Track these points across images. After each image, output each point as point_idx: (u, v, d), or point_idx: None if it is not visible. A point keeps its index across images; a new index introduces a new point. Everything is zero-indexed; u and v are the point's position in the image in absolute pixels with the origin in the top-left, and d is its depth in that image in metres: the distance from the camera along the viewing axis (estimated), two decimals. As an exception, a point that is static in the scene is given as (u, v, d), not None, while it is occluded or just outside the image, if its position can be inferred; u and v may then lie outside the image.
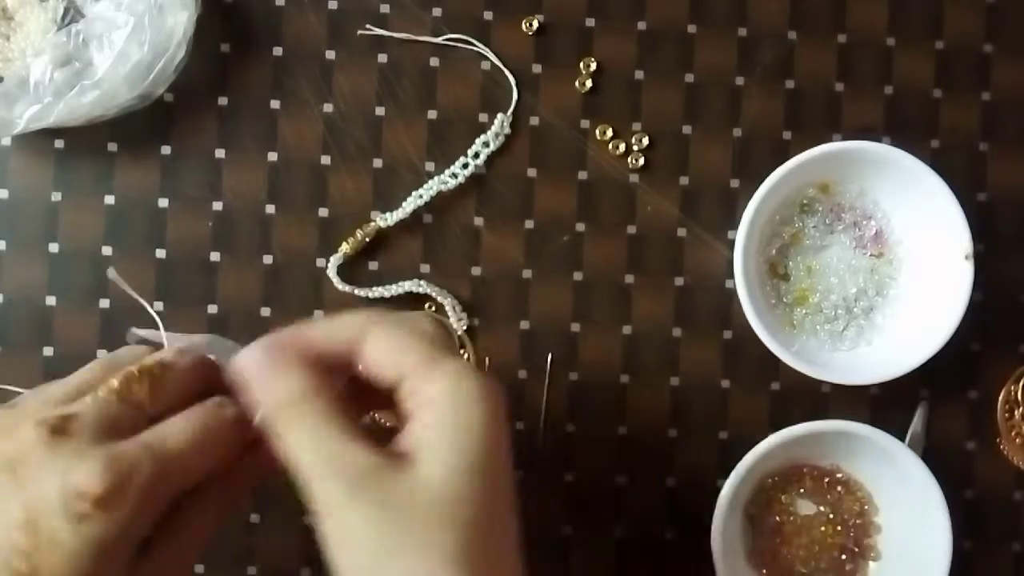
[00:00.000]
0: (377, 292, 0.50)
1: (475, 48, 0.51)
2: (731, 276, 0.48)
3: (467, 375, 0.32)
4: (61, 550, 0.29)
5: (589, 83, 0.51)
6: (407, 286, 0.50)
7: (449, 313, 0.50)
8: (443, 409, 0.31)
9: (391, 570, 0.29)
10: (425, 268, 0.51)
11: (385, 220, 0.50)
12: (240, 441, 0.33)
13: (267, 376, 0.32)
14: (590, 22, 0.51)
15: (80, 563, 0.29)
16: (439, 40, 0.51)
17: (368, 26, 0.51)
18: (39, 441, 0.30)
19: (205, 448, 0.32)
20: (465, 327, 0.50)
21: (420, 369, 0.32)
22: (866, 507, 0.51)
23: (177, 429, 0.32)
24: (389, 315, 0.35)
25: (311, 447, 0.31)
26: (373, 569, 0.29)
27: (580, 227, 0.51)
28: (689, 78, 0.52)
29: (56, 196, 0.50)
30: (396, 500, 0.29)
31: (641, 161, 0.51)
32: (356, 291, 0.50)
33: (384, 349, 0.33)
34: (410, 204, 0.50)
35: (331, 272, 0.49)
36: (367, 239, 0.50)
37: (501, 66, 0.51)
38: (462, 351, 0.50)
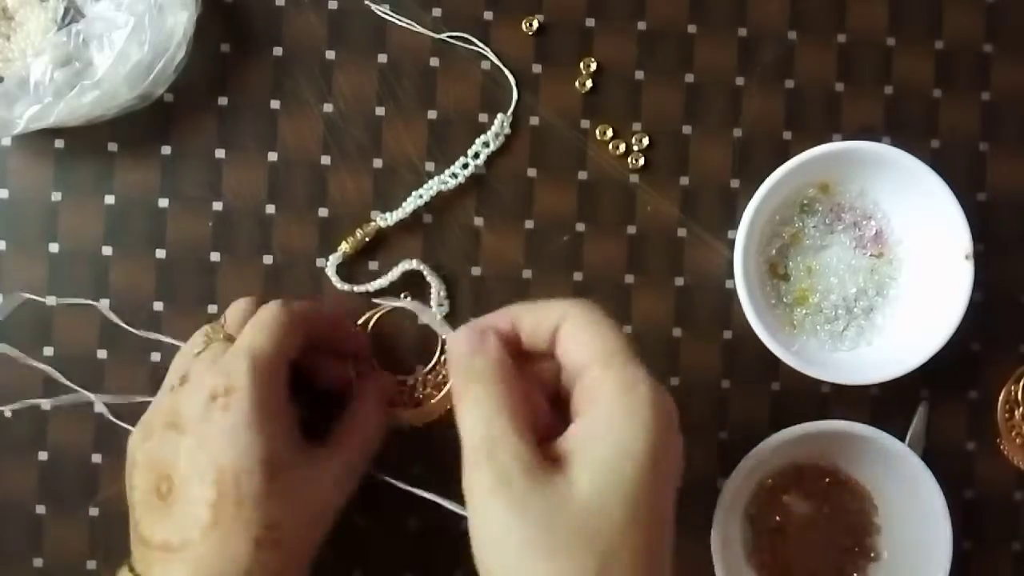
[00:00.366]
0: (376, 284, 0.49)
1: (476, 48, 0.51)
2: (731, 276, 0.48)
3: (644, 381, 0.32)
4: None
5: (589, 83, 0.51)
6: (402, 266, 0.49)
7: (432, 296, 0.50)
8: (610, 416, 0.31)
9: (519, 572, 0.29)
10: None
11: (385, 220, 0.50)
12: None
13: (464, 354, 0.34)
14: (590, 22, 0.51)
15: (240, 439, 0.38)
16: (440, 36, 0.51)
17: (369, 2, 0.51)
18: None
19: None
20: (446, 312, 0.50)
21: (604, 359, 0.32)
22: (866, 507, 0.51)
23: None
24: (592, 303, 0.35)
25: (476, 428, 0.31)
26: (512, 570, 0.30)
27: (580, 227, 0.51)
28: (689, 78, 0.52)
29: (56, 196, 0.50)
30: (537, 504, 0.29)
31: (641, 161, 0.51)
32: (356, 288, 0.50)
33: (581, 330, 0.33)
34: (410, 204, 0.50)
35: (330, 271, 0.49)
36: (367, 239, 0.50)
37: (501, 66, 0.51)
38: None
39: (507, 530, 0.29)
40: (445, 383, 0.50)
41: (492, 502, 0.30)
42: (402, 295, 0.50)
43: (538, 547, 0.29)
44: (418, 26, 0.51)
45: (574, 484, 0.30)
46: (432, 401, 0.50)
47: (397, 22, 0.51)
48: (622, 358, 0.32)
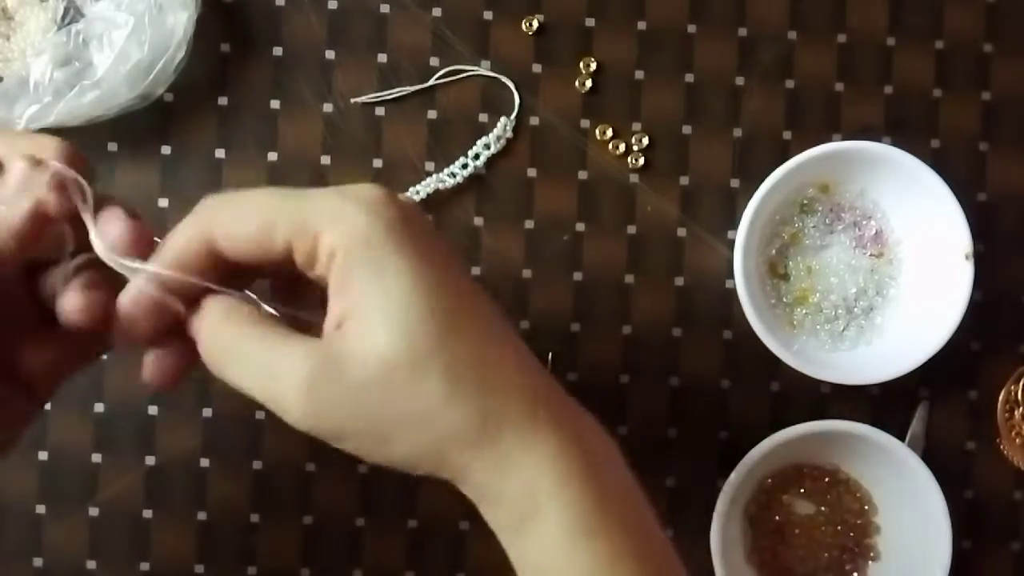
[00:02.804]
0: None
1: (470, 70, 0.51)
2: (731, 276, 0.48)
3: (344, 204, 0.28)
4: None
5: (589, 83, 0.51)
6: None
7: None
8: (346, 262, 0.27)
9: (401, 438, 0.28)
10: (425, 268, 0.51)
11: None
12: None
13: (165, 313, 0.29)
14: (590, 22, 0.51)
15: None
16: (431, 84, 0.51)
17: (354, 100, 0.51)
18: None
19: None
20: None
21: (297, 225, 0.28)
22: (866, 507, 0.51)
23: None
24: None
25: (248, 375, 0.28)
26: (389, 448, 0.28)
27: (580, 227, 0.51)
28: (689, 78, 0.52)
29: (56, 196, 0.50)
30: (355, 391, 0.27)
31: (641, 161, 0.51)
32: None
33: (243, 229, 0.28)
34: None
35: None
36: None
37: (499, 76, 0.51)
38: None
39: (356, 432, 0.28)
40: None
41: (322, 424, 0.28)
42: None
43: (383, 423, 0.27)
44: (411, 88, 0.51)
45: (367, 352, 0.27)
46: None
47: (390, 97, 0.51)
48: (304, 197, 0.28)
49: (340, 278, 0.28)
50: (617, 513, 0.29)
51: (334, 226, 0.28)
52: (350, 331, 0.27)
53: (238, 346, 0.28)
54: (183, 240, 0.29)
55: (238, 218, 0.28)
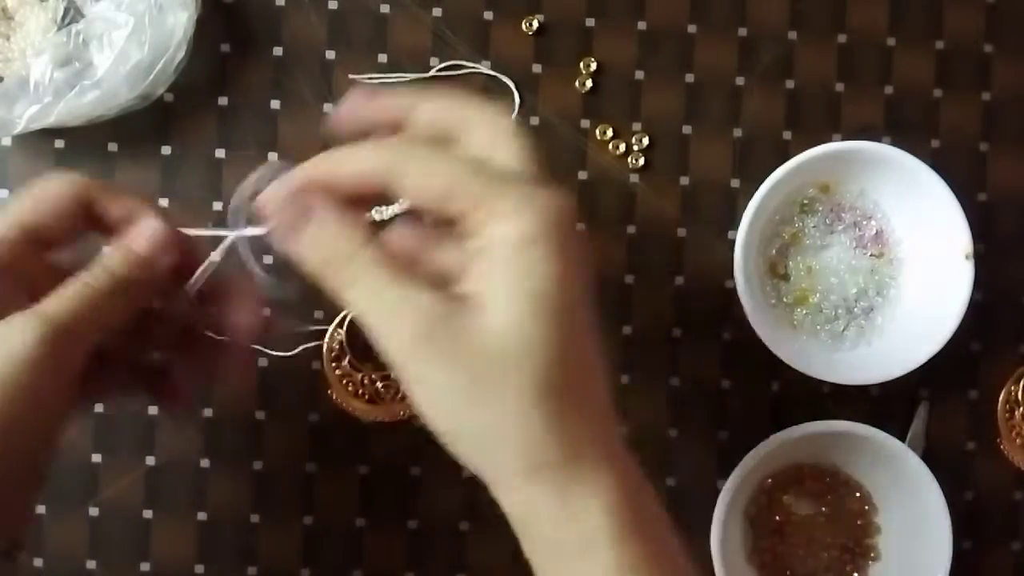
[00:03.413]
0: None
1: (470, 68, 0.51)
2: (731, 276, 0.48)
3: (531, 204, 0.28)
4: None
5: (589, 83, 0.51)
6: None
7: None
8: (506, 248, 0.28)
9: (474, 418, 0.28)
10: (425, 268, 0.51)
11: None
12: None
13: (307, 231, 0.30)
14: (590, 22, 0.51)
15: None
16: (431, 75, 0.51)
17: (352, 76, 0.51)
18: None
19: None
20: None
21: (476, 201, 0.29)
22: (866, 507, 0.51)
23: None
24: (422, 136, 0.32)
25: (373, 304, 0.29)
26: (457, 417, 0.29)
27: (580, 227, 0.51)
28: (689, 78, 0.52)
29: (56, 196, 0.50)
30: (468, 348, 0.28)
31: (641, 161, 0.51)
32: None
33: (427, 184, 0.30)
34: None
35: None
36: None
37: (499, 75, 0.51)
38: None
39: (445, 385, 0.28)
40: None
41: (426, 366, 0.28)
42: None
43: (473, 395, 0.28)
44: (409, 75, 0.51)
45: (492, 322, 0.28)
46: (386, 403, 0.50)
47: (387, 80, 0.51)
48: (495, 182, 0.29)
49: (490, 261, 0.29)
50: (659, 555, 0.30)
51: (513, 216, 0.28)
52: (480, 304, 0.28)
53: (368, 271, 0.29)
54: (368, 181, 0.31)
55: (426, 174, 0.30)
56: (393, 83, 0.51)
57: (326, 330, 0.50)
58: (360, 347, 0.49)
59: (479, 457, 0.29)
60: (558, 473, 0.29)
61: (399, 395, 0.50)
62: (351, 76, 0.51)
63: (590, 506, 0.29)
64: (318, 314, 0.50)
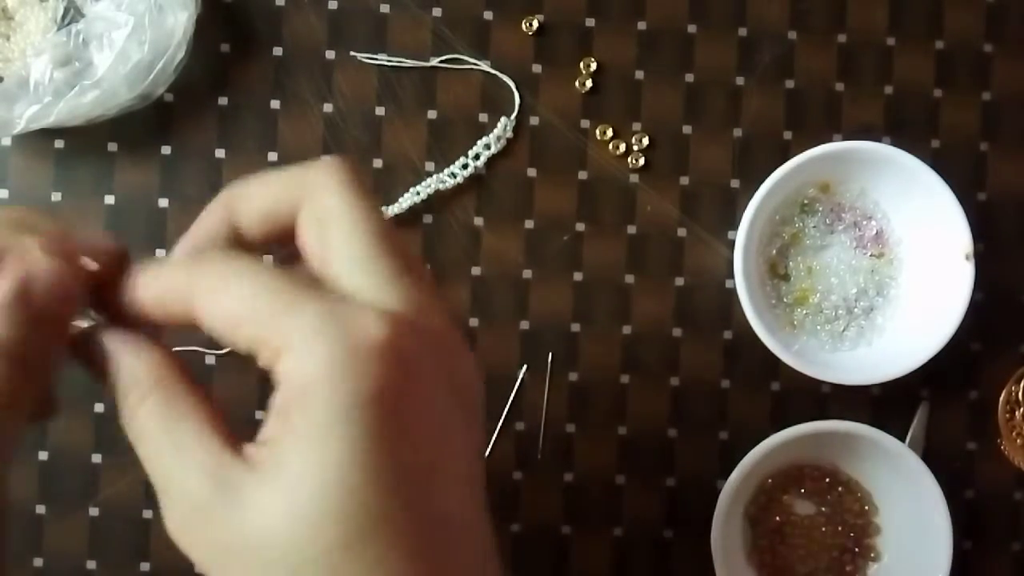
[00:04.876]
0: None
1: (474, 64, 0.51)
2: (731, 276, 0.48)
3: (323, 331, 0.21)
4: None
5: (589, 83, 0.51)
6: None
7: None
8: (289, 397, 0.22)
9: None
10: (425, 267, 0.51)
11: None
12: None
13: (127, 366, 0.24)
14: (590, 22, 0.51)
15: None
16: (432, 64, 0.51)
17: (354, 54, 0.51)
18: None
19: None
20: None
21: (265, 329, 0.22)
22: (866, 507, 0.51)
23: None
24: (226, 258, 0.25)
25: (153, 457, 0.24)
26: None
27: (580, 227, 0.51)
28: (689, 78, 0.52)
29: (56, 196, 0.50)
30: (228, 542, 0.22)
31: (641, 161, 0.51)
32: None
33: (215, 308, 0.23)
34: (407, 200, 0.50)
35: None
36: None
37: (499, 74, 0.51)
38: None
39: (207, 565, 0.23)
40: None
41: (191, 552, 0.24)
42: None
43: None
44: (408, 61, 0.51)
45: (263, 509, 0.22)
46: None
47: (388, 63, 0.51)
48: (295, 300, 0.22)
49: (275, 416, 0.23)
50: None
51: (301, 351, 0.22)
52: (261, 478, 0.22)
53: (150, 421, 0.24)
54: (171, 308, 0.25)
55: (214, 293, 0.24)
56: (395, 67, 0.51)
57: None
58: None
59: None
60: None
61: None
62: (352, 53, 0.50)
63: None
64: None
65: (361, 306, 0.22)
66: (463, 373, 0.24)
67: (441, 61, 0.51)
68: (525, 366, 0.50)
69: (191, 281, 0.24)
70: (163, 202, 0.50)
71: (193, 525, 0.23)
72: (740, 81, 0.52)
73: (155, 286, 0.25)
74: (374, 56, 0.51)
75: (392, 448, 0.21)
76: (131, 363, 0.24)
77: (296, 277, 0.23)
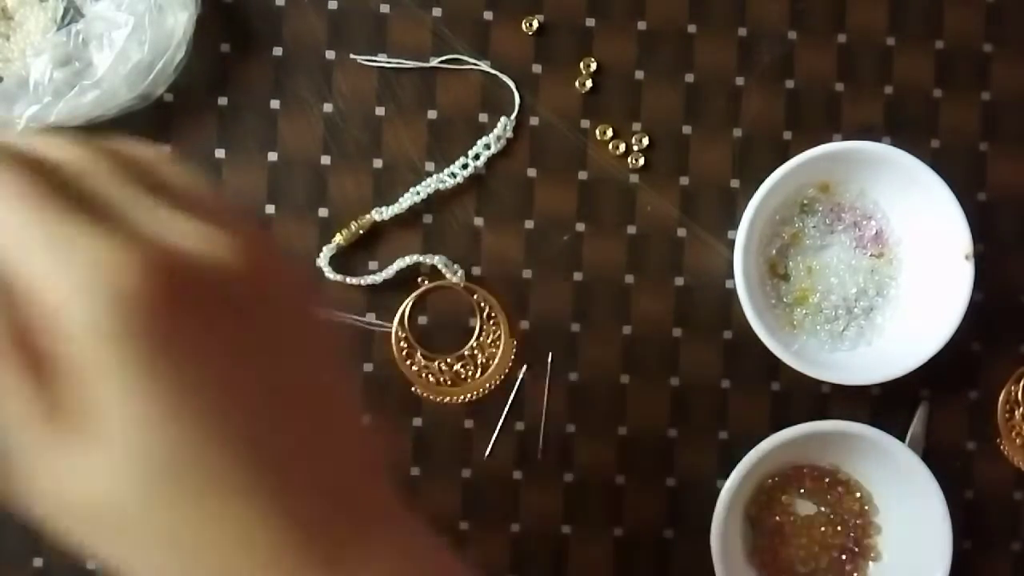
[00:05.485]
0: (369, 279, 0.49)
1: (473, 64, 0.51)
2: (731, 276, 0.48)
3: (86, 266, 0.20)
4: None
5: (589, 83, 0.51)
6: (398, 263, 0.50)
7: (443, 269, 0.50)
8: (84, 348, 0.20)
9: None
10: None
11: (381, 214, 0.50)
12: None
13: None
14: (590, 22, 0.51)
15: None
16: (432, 65, 0.51)
17: (354, 56, 0.51)
18: None
19: None
20: (463, 279, 0.50)
21: (29, 267, 0.20)
22: (866, 507, 0.51)
23: None
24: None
25: None
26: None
27: (580, 227, 0.51)
28: (689, 78, 0.52)
29: (56, 196, 0.50)
30: (84, 492, 0.22)
31: (641, 161, 0.51)
32: (348, 280, 0.49)
33: None
34: (407, 200, 0.50)
35: (323, 262, 0.49)
36: (361, 231, 0.50)
37: (501, 75, 0.51)
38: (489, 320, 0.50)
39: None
40: (487, 362, 0.50)
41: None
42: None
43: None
44: (408, 62, 0.51)
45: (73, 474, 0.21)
46: (471, 380, 0.50)
47: (387, 65, 0.51)
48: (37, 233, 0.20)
49: (72, 363, 0.21)
50: None
51: (65, 306, 0.20)
52: (86, 427, 0.21)
53: None
54: None
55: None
56: (395, 68, 0.51)
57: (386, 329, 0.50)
58: (419, 338, 0.50)
59: None
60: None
61: (479, 369, 0.50)
62: (352, 56, 0.50)
63: None
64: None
65: (124, 238, 0.21)
66: (292, 302, 0.24)
67: (441, 61, 0.51)
68: (525, 366, 0.50)
69: None
70: (163, 202, 0.50)
71: (39, 484, 0.22)
72: (740, 81, 0.52)
73: None
74: (373, 58, 0.51)
75: (186, 380, 0.21)
76: None
77: (66, 195, 0.21)
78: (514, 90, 0.51)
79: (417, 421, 0.50)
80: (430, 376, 0.50)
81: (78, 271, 0.20)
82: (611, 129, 0.51)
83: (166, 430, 0.21)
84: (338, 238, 0.50)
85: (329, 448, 0.25)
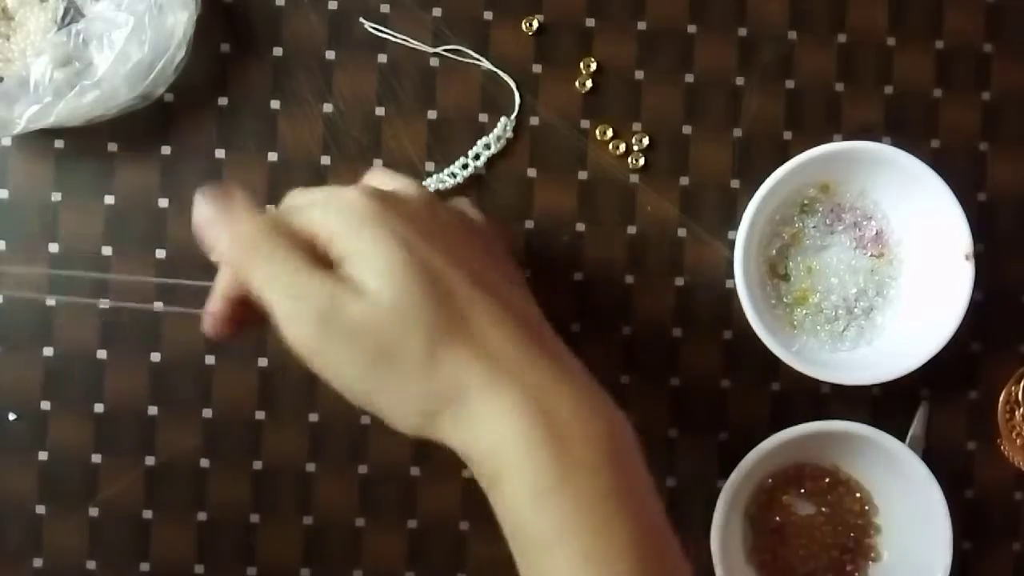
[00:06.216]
0: None
1: (474, 59, 0.51)
2: (731, 276, 0.48)
3: (333, 207, 0.33)
4: None
5: (589, 83, 0.51)
6: None
7: None
8: (337, 239, 0.32)
9: (383, 391, 0.32)
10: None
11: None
12: None
13: (223, 220, 0.34)
14: (590, 22, 0.51)
15: None
16: (436, 51, 0.51)
17: (363, 21, 0.51)
18: None
19: None
20: None
21: (298, 221, 0.33)
22: (866, 507, 0.51)
23: None
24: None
25: (276, 291, 0.32)
26: (362, 384, 0.32)
27: (580, 227, 0.51)
28: (689, 78, 0.52)
29: (56, 196, 0.50)
30: (358, 327, 0.31)
31: (641, 161, 0.51)
32: None
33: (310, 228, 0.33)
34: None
35: None
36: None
37: (500, 72, 0.51)
38: None
39: (350, 365, 0.32)
40: None
41: (328, 348, 0.32)
42: None
43: (369, 366, 0.31)
44: (414, 41, 0.51)
45: (374, 296, 0.31)
46: None
47: (393, 38, 0.51)
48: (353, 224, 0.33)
49: (337, 250, 0.32)
50: (584, 485, 0.31)
51: (325, 224, 0.33)
52: (359, 286, 0.32)
53: (273, 259, 0.32)
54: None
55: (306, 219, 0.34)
56: (395, 67, 0.51)
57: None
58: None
59: (390, 412, 0.32)
60: (458, 410, 0.31)
61: None
62: (361, 20, 0.50)
63: (487, 428, 0.31)
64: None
65: (347, 190, 0.34)
66: (483, 239, 0.37)
67: (445, 50, 0.51)
68: (525, 366, 0.50)
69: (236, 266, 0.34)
70: (163, 202, 0.50)
71: (315, 331, 0.31)
72: (740, 81, 0.52)
73: (219, 293, 0.35)
74: (380, 27, 0.51)
75: (413, 236, 0.32)
76: (250, 220, 0.34)
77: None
78: (514, 90, 0.51)
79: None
80: None
81: (330, 203, 0.33)
82: (611, 129, 0.51)
83: (413, 262, 0.32)
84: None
85: (520, 293, 0.36)
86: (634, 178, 0.51)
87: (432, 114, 0.51)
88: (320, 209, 0.33)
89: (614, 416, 0.33)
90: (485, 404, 0.31)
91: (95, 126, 0.48)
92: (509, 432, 0.31)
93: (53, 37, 0.47)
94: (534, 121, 0.51)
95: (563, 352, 0.34)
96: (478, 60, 0.51)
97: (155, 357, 0.50)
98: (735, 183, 0.51)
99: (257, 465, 0.50)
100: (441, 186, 0.50)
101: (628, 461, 0.33)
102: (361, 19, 0.51)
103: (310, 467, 0.50)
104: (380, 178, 0.38)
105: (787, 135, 0.52)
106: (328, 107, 0.51)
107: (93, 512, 0.50)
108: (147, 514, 0.50)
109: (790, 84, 0.52)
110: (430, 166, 0.51)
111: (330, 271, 0.32)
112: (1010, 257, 0.52)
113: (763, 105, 0.52)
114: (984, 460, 0.52)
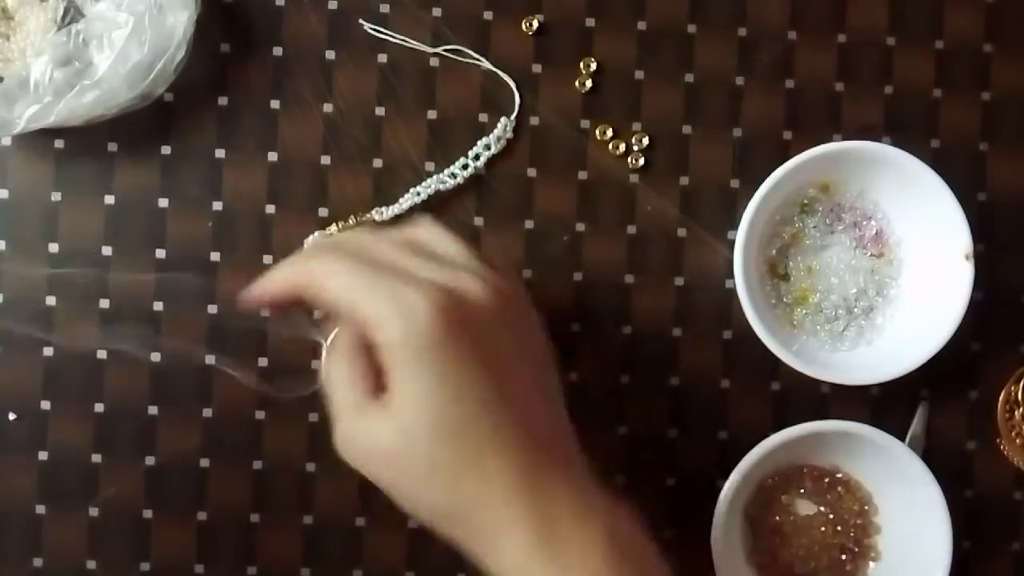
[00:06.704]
0: None
1: (474, 59, 0.51)
2: (731, 276, 0.48)
3: (397, 310, 0.32)
4: None
5: (589, 83, 0.51)
6: None
7: None
8: (391, 354, 0.33)
9: (403, 488, 0.35)
10: (425, 268, 0.51)
11: (381, 214, 0.50)
12: None
13: (328, 360, 0.37)
14: (590, 22, 0.51)
15: None
16: (436, 51, 0.51)
17: (363, 22, 0.51)
18: None
19: None
20: None
21: (361, 307, 0.33)
22: (866, 507, 0.51)
23: None
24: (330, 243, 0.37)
25: (332, 382, 0.35)
26: (390, 484, 0.35)
27: (580, 227, 0.51)
28: (689, 78, 0.52)
29: (56, 196, 0.50)
30: (369, 450, 0.34)
31: (641, 161, 0.51)
32: None
33: (331, 296, 0.34)
34: (407, 201, 0.50)
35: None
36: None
37: (500, 72, 0.51)
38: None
39: (378, 480, 0.35)
40: None
41: (344, 448, 0.35)
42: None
43: (413, 492, 0.35)
44: (414, 41, 0.51)
45: (399, 421, 0.33)
46: None
47: (392, 39, 0.51)
48: (370, 284, 0.33)
49: (388, 364, 0.33)
50: None
51: (383, 329, 0.33)
52: (396, 410, 0.33)
53: (346, 405, 0.35)
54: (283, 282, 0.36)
55: (330, 285, 0.34)
56: (395, 67, 0.51)
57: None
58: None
59: (412, 509, 0.36)
60: (543, 548, 0.33)
61: None
62: (361, 21, 0.50)
63: (577, 564, 0.33)
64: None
65: (410, 294, 0.33)
66: (525, 324, 0.37)
67: (445, 50, 0.51)
68: (525, 366, 0.50)
69: (316, 273, 0.35)
70: (163, 202, 0.50)
71: (347, 440, 0.35)
72: (740, 81, 0.52)
73: (281, 280, 0.36)
74: (379, 28, 0.50)
75: (459, 378, 0.33)
76: (342, 346, 0.36)
77: (376, 263, 0.34)
78: (514, 90, 0.51)
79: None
80: None
81: (394, 307, 0.33)
82: (611, 129, 0.51)
83: (449, 406, 0.33)
84: (333, 228, 0.50)
85: (553, 415, 0.37)
86: (634, 178, 0.51)
87: (432, 114, 0.51)
88: (384, 303, 0.33)
89: (614, 514, 0.35)
90: (578, 541, 0.33)
91: (95, 126, 0.48)
92: (522, 556, 0.33)
93: (53, 37, 0.47)
94: (534, 121, 0.51)
95: (569, 453, 0.37)
96: (478, 60, 0.51)
97: (155, 357, 0.50)
98: (735, 183, 0.51)
99: (257, 465, 0.50)
100: (441, 186, 0.50)
101: (632, 556, 0.35)
102: (361, 20, 0.51)
103: (310, 467, 0.50)
104: (441, 242, 0.37)
105: (787, 135, 0.52)
106: (328, 107, 0.51)
107: (93, 512, 0.50)
108: (147, 514, 0.50)
109: (790, 84, 0.52)
110: (430, 166, 0.51)
111: (379, 403, 0.34)
112: (1010, 257, 0.52)
113: (763, 105, 0.52)
114: (984, 460, 0.52)
